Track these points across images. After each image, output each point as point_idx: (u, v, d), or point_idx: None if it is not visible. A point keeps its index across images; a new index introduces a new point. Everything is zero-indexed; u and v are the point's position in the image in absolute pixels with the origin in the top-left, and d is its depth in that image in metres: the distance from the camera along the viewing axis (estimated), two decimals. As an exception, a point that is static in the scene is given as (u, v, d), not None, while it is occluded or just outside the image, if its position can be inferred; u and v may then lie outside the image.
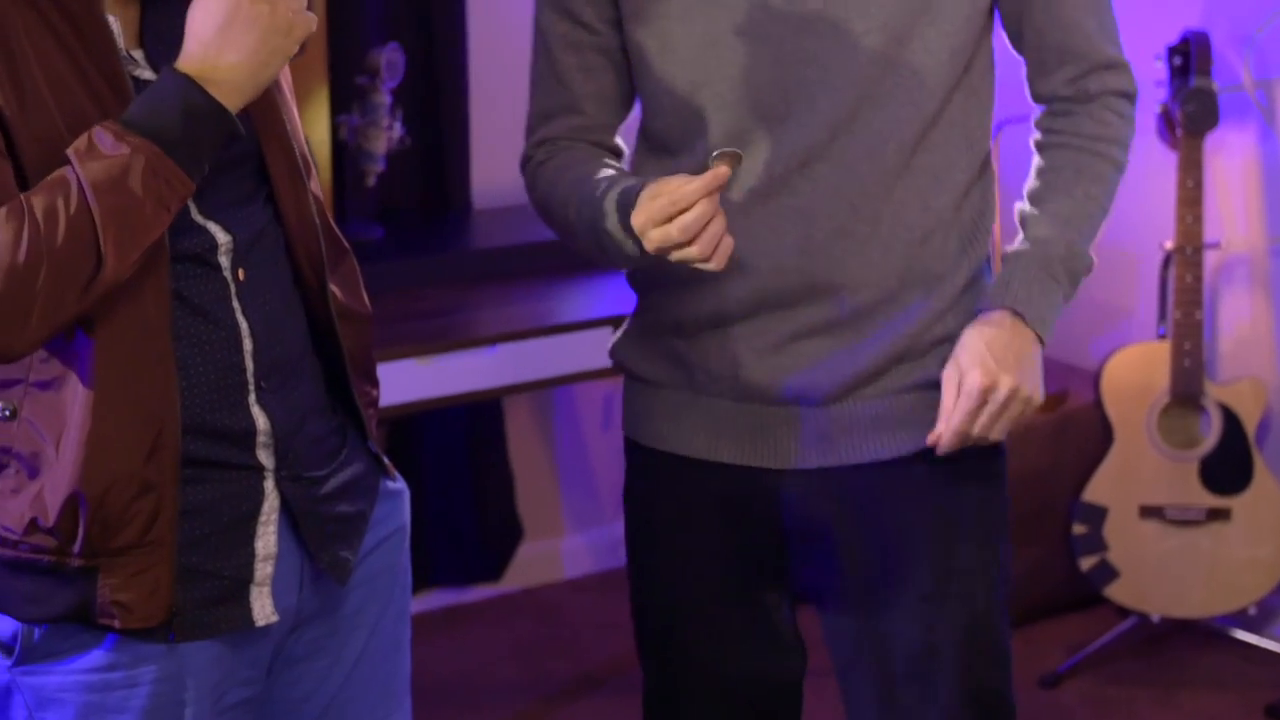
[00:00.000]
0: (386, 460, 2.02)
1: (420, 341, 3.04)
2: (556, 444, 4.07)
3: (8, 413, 1.76)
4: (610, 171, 1.98)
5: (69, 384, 1.74)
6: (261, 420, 1.83)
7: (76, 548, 1.75)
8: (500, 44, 3.70)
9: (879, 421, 1.98)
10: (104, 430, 1.73)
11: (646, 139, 2.03)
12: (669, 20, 1.94)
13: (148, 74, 1.79)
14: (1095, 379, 3.51)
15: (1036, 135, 2.03)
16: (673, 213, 1.79)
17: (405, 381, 3.02)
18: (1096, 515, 3.49)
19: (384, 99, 3.31)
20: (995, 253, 2.06)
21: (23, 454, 1.76)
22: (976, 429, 1.88)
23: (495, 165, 3.72)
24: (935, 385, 1.95)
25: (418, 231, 3.56)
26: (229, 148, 1.78)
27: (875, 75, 1.90)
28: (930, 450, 1.93)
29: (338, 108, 3.35)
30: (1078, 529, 3.51)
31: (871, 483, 2.00)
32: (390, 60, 3.29)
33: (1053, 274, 1.95)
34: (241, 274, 1.81)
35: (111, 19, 1.77)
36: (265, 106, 1.85)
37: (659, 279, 2.03)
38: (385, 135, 3.32)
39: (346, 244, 2.01)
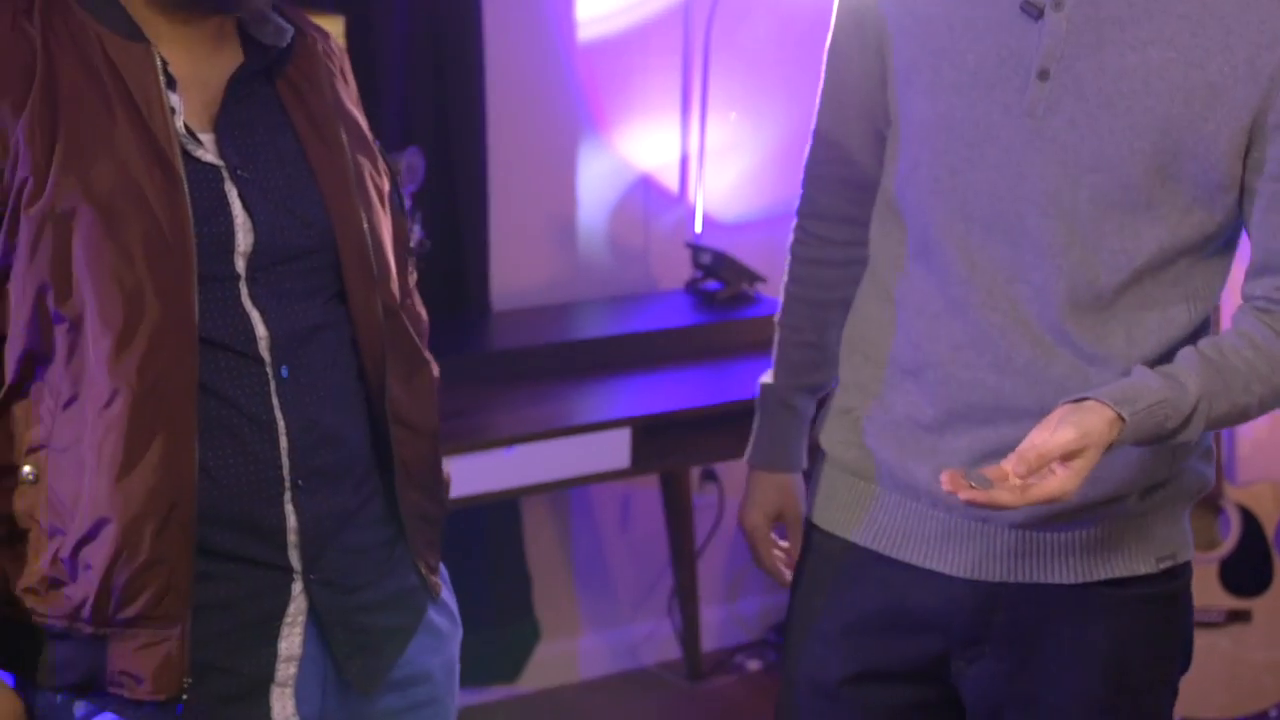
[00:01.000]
0: (434, 579, 2.00)
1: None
2: (573, 545, 4.07)
3: (32, 477, 1.77)
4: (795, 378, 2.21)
5: (86, 452, 1.75)
6: (293, 520, 1.83)
7: (86, 614, 1.76)
8: (519, 148, 3.74)
9: (1067, 547, 1.97)
10: (115, 501, 1.74)
11: (883, 196, 2.04)
12: (914, 91, 1.94)
13: (209, 157, 1.81)
14: None
15: (1238, 315, 1.94)
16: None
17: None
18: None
19: (403, 203, 3.34)
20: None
21: (45, 518, 1.77)
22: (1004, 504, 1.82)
23: (514, 267, 3.75)
24: (1131, 516, 1.95)
25: (436, 332, 3.54)
26: (294, 240, 1.81)
27: (1094, 215, 1.86)
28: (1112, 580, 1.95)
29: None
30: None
31: (1048, 598, 1.99)
32: (410, 164, 3.32)
33: (1163, 414, 1.87)
34: (285, 371, 1.82)
35: (175, 97, 1.79)
36: (343, 205, 1.87)
37: (858, 365, 2.06)
38: (405, 238, 3.35)
39: (429, 356, 2.03)
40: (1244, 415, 1.90)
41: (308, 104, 1.90)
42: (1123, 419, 1.79)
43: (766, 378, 2.23)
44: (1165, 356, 1.91)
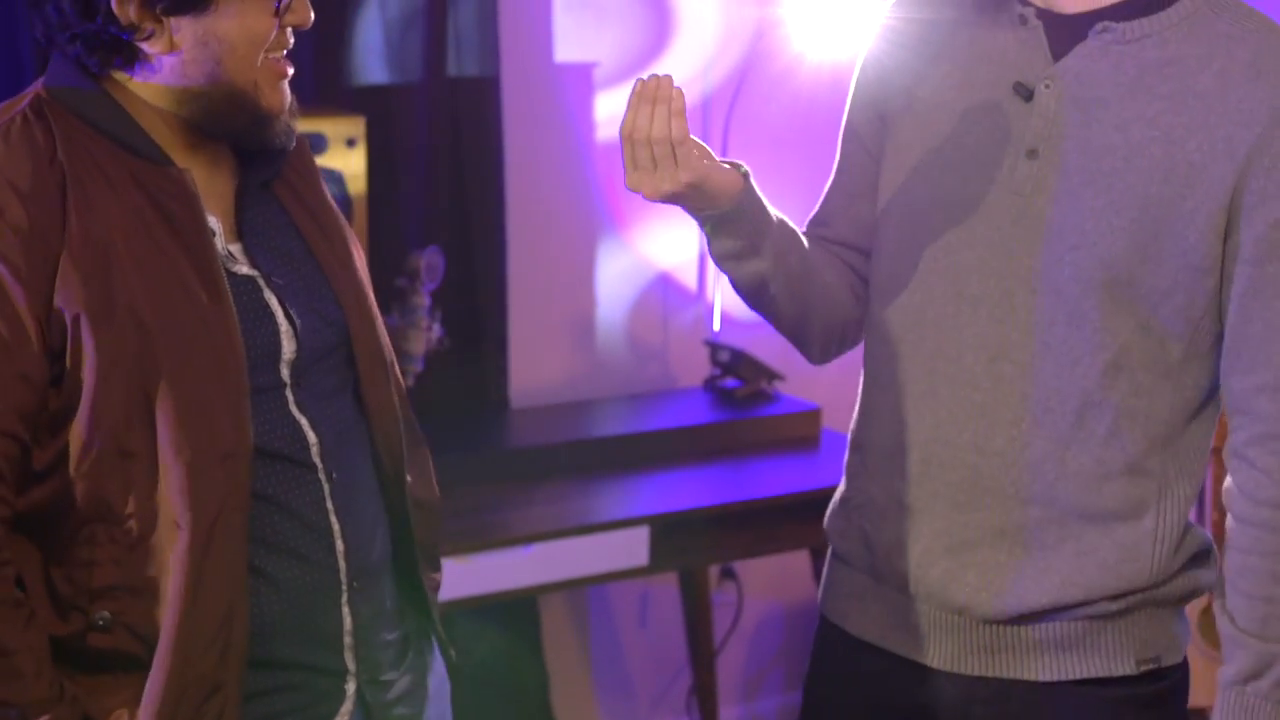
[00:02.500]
0: (442, 637, 2.02)
1: (457, 540, 3.05)
2: (592, 643, 4.05)
3: (101, 623, 1.74)
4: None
5: (161, 590, 1.73)
6: (349, 621, 1.83)
7: None
8: (538, 246, 3.76)
9: (1042, 644, 1.97)
10: (186, 635, 1.72)
11: (873, 277, 2.05)
12: (906, 169, 1.98)
13: (245, 269, 1.82)
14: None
15: (1225, 483, 1.93)
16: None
17: (442, 579, 3.02)
18: None
19: (423, 300, 3.35)
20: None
21: (122, 656, 1.75)
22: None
23: (533, 365, 3.76)
24: (1109, 616, 1.94)
25: (455, 430, 3.58)
26: (325, 338, 1.83)
27: (1076, 293, 1.87)
28: (1100, 680, 1.95)
29: (378, 308, 3.39)
30: None
31: (1026, 695, 1.98)
32: (430, 263, 3.34)
33: (1255, 696, 1.89)
34: (334, 475, 1.82)
35: (212, 219, 1.80)
36: (355, 298, 1.88)
37: (853, 454, 2.06)
38: (424, 336, 3.36)
39: (421, 434, 2.03)
40: None
41: (305, 201, 1.91)
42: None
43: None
44: (1150, 449, 1.91)
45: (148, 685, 1.73)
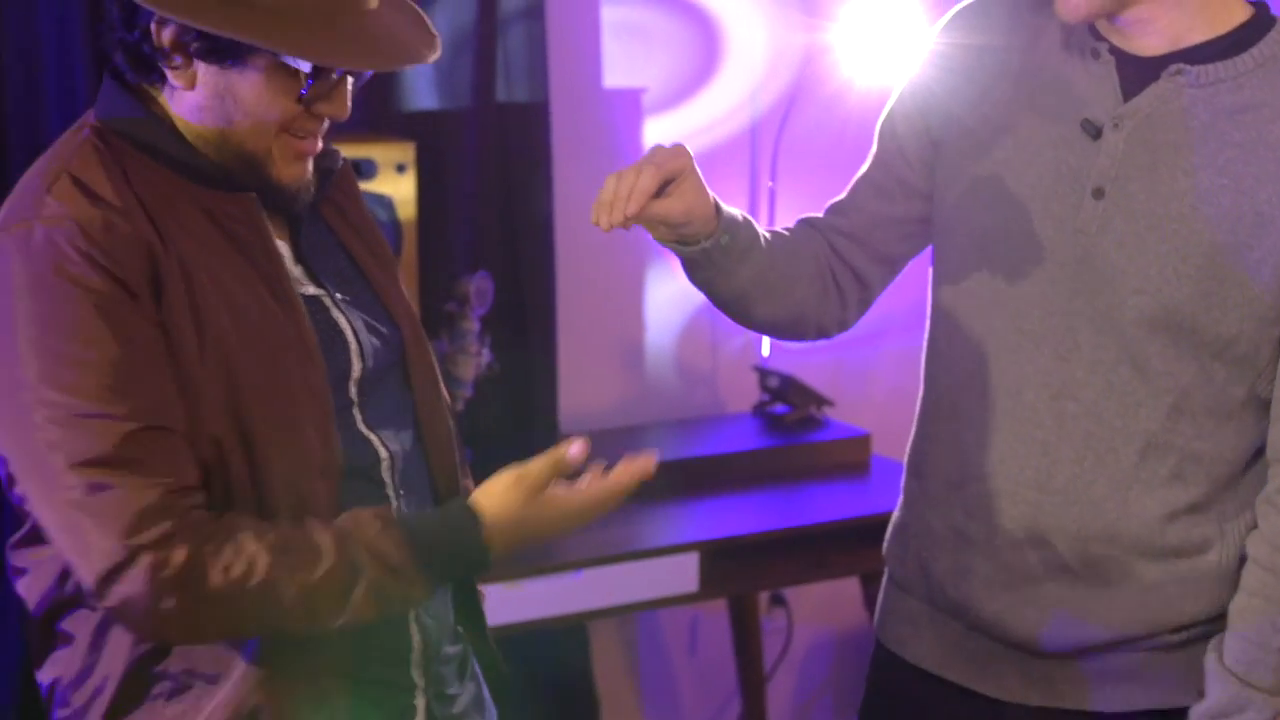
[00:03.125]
0: (494, 651, 2.03)
1: (506, 565, 3.03)
2: (641, 669, 4.04)
3: None
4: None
5: None
6: (416, 638, 1.84)
7: None
8: (588, 271, 3.76)
9: (1104, 674, 1.96)
10: (270, 648, 1.73)
11: (933, 289, 2.04)
12: (968, 195, 1.95)
13: (311, 289, 1.81)
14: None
15: (1255, 530, 1.92)
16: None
17: (492, 605, 2.98)
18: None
19: (473, 326, 3.36)
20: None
21: (207, 673, 1.74)
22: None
23: (582, 390, 3.76)
24: (1170, 648, 1.94)
25: (505, 455, 3.54)
26: (384, 356, 1.82)
27: (1139, 337, 1.86)
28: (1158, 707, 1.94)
29: (427, 333, 3.38)
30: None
31: None
32: (479, 288, 3.34)
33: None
34: (402, 492, 1.82)
35: (280, 244, 1.79)
36: (405, 314, 1.88)
37: (911, 481, 2.05)
38: (474, 361, 3.36)
39: (463, 453, 2.03)
40: None
41: (351, 220, 1.91)
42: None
43: None
44: (1213, 490, 1.90)
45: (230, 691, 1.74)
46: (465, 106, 3.53)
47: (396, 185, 3.22)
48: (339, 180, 1.90)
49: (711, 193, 1.92)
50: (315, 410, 1.74)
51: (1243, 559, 1.94)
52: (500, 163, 3.62)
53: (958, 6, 2.04)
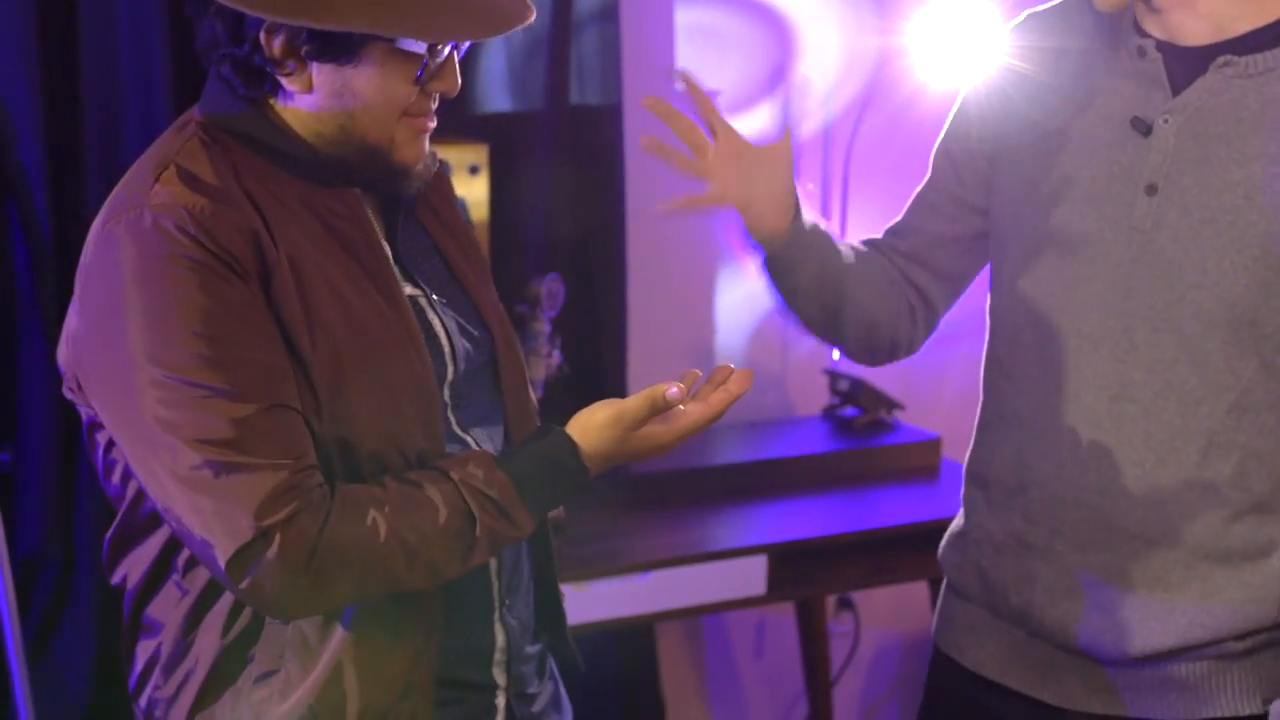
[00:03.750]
0: (573, 649, 2.02)
1: (575, 566, 3.06)
2: (708, 672, 4.04)
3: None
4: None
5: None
6: (500, 638, 1.85)
7: None
8: (659, 273, 3.76)
9: (1167, 683, 1.95)
10: (359, 639, 1.75)
11: (991, 305, 2.05)
12: (1024, 203, 1.96)
13: (410, 289, 1.82)
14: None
15: None
16: None
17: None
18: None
19: (544, 328, 3.37)
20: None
21: (296, 659, 1.76)
22: None
23: (651, 392, 3.76)
24: (1235, 656, 1.92)
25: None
26: (475, 358, 1.83)
27: (1198, 331, 1.85)
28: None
29: (501, 335, 3.41)
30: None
31: None
32: (550, 290, 3.36)
33: None
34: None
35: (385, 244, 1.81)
36: (496, 316, 1.89)
37: (971, 488, 2.05)
38: (544, 362, 3.38)
39: None
40: None
41: (446, 222, 1.92)
42: None
43: None
44: (1276, 489, 1.88)
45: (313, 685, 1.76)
46: (539, 108, 3.55)
47: (469, 187, 3.24)
48: (435, 182, 1.90)
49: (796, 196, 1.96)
50: (423, 406, 1.76)
51: None
52: (573, 165, 3.63)
53: (1022, 15, 2.05)
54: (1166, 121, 1.86)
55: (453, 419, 1.82)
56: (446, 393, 1.82)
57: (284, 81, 1.73)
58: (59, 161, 2.98)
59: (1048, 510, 1.94)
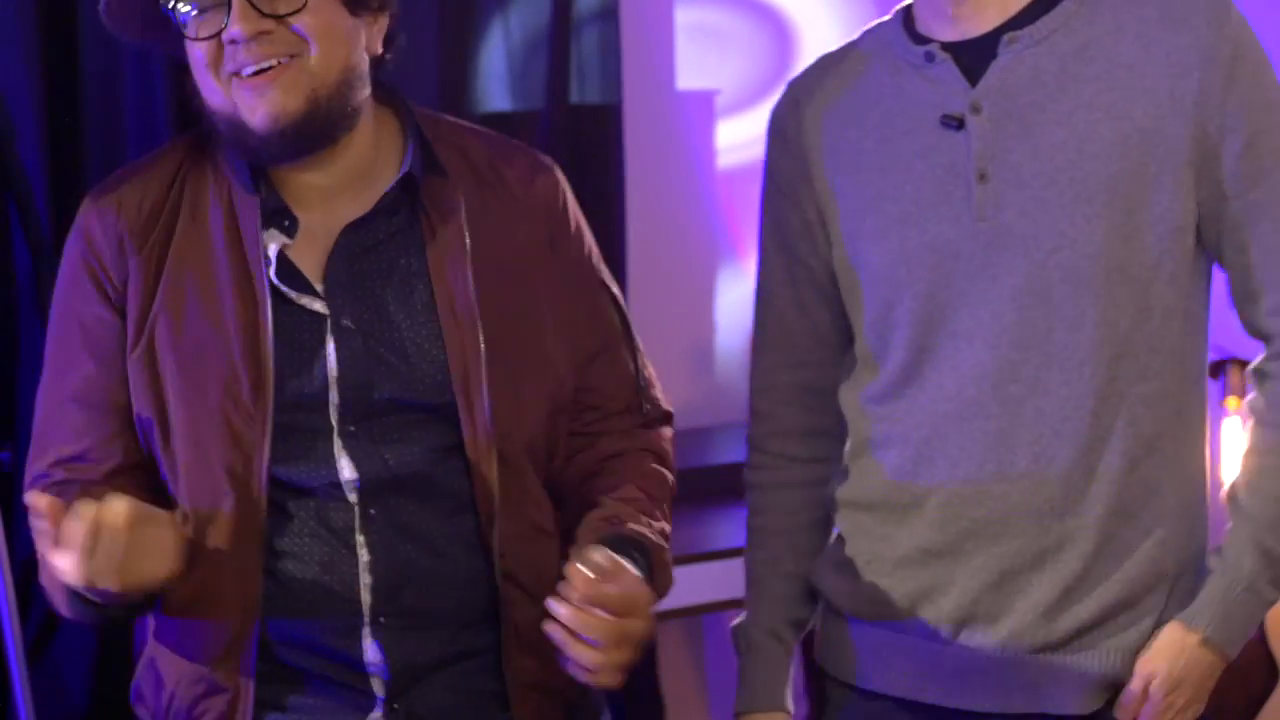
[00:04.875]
0: None
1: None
2: (708, 671, 4.04)
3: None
4: (768, 619, 2.08)
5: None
6: (372, 654, 1.83)
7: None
8: (659, 273, 3.76)
9: (1083, 676, 1.94)
10: (181, 628, 1.83)
11: (855, 351, 2.03)
12: (864, 241, 1.96)
13: (317, 306, 1.83)
14: (1260, 615, 3.43)
15: (1247, 397, 1.95)
16: None
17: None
18: (1263, 756, 3.39)
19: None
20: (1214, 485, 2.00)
21: (148, 631, 1.89)
22: None
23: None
24: (1146, 631, 1.94)
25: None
26: (393, 391, 1.84)
27: (1067, 294, 1.87)
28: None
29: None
30: (1244, 770, 3.41)
31: None
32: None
33: (1248, 593, 1.91)
34: (373, 511, 1.82)
35: (274, 247, 1.83)
36: (466, 358, 1.83)
37: (852, 516, 2.02)
38: (544, 362, 3.37)
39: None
40: None
41: (444, 250, 1.87)
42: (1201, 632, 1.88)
43: (743, 619, 2.10)
44: (1164, 433, 1.91)
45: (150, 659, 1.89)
46: (538, 108, 3.55)
47: (470, 186, 3.23)
48: (440, 208, 1.88)
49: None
50: (243, 415, 1.80)
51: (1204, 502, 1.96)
52: (572, 164, 3.61)
53: (778, 96, 2.08)
54: (977, 110, 1.89)
55: (337, 441, 1.82)
56: (334, 415, 1.82)
57: None
58: (59, 161, 2.98)
59: (950, 515, 1.93)
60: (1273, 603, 1.93)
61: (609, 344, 2.01)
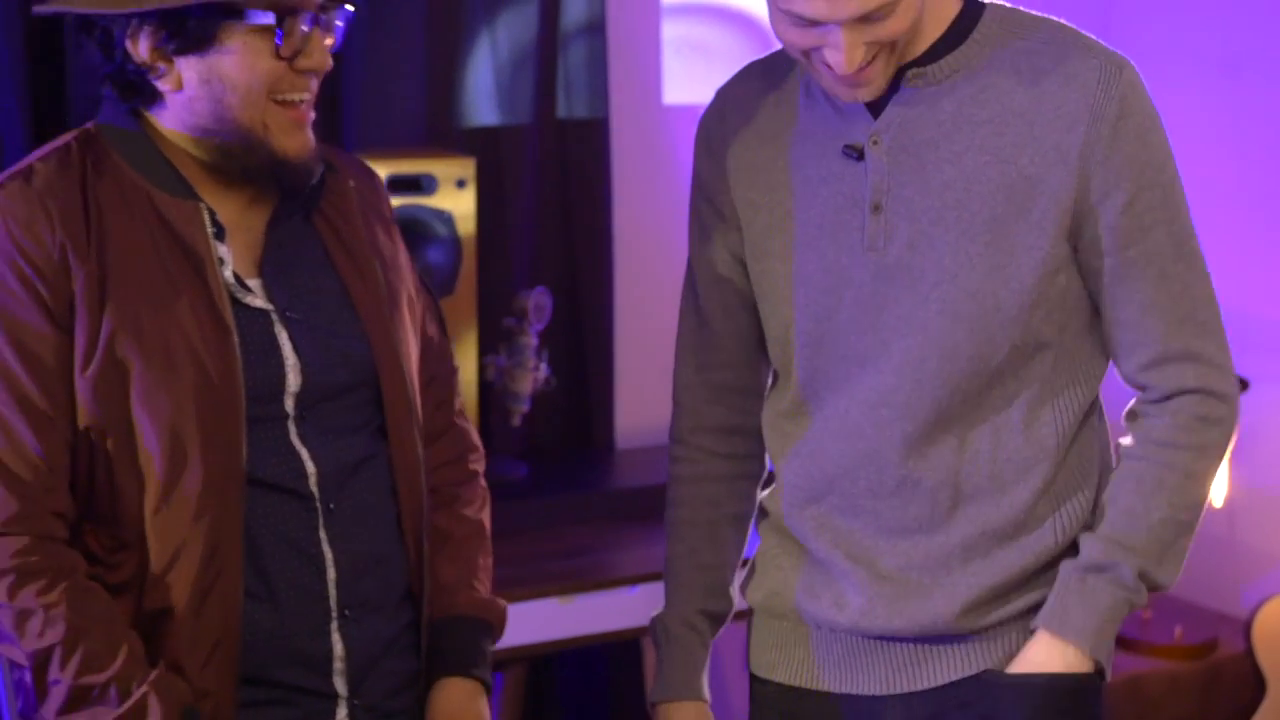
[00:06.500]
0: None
1: (561, 580, 3.06)
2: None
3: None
4: (685, 605, 2.12)
5: (140, 587, 1.83)
6: (339, 648, 1.88)
7: None
8: (646, 286, 3.76)
9: (970, 650, 1.99)
10: (164, 633, 1.82)
11: (769, 361, 2.10)
12: (771, 259, 2.01)
13: (259, 302, 1.88)
14: (1246, 628, 3.44)
15: (1123, 441, 2.01)
16: None
17: (546, 620, 3.02)
18: (1250, 769, 3.40)
19: (531, 340, 3.37)
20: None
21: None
22: None
23: (639, 406, 3.76)
24: (1027, 609, 1.97)
25: (561, 470, 3.59)
26: (342, 377, 1.88)
27: (944, 326, 1.91)
28: (1029, 679, 1.96)
29: (485, 348, 3.41)
30: (1231, 783, 3.41)
31: (969, 708, 1.99)
32: (538, 303, 3.35)
33: (1099, 601, 1.94)
34: (332, 506, 1.87)
35: (224, 248, 1.86)
36: (385, 339, 1.93)
37: (776, 513, 2.08)
38: (531, 376, 3.37)
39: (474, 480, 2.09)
40: (1179, 527, 1.96)
41: (344, 239, 1.96)
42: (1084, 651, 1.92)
43: (660, 611, 2.14)
44: (1028, 458, 1.95)
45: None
46: (525, 122, 3.55)
47: (456, 200, 3.24)
48: (333, 196, 1.97)
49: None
50: (222, 418, 1.82)
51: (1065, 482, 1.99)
52: (560, 178, 3.64)
53: (742, 68, 2.11)
54: (876, 143, 1.93)
55: (293, 429, 1.87)
56: (290, 404, 1.87)
57: (158, 85, 1.84)
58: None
59: (829, 524, 2.00)
60: (1117, 615, 1.95)
61: (433, 330, 2.11)
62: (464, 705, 1.98)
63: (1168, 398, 1.95)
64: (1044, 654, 1.94)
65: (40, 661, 1.78)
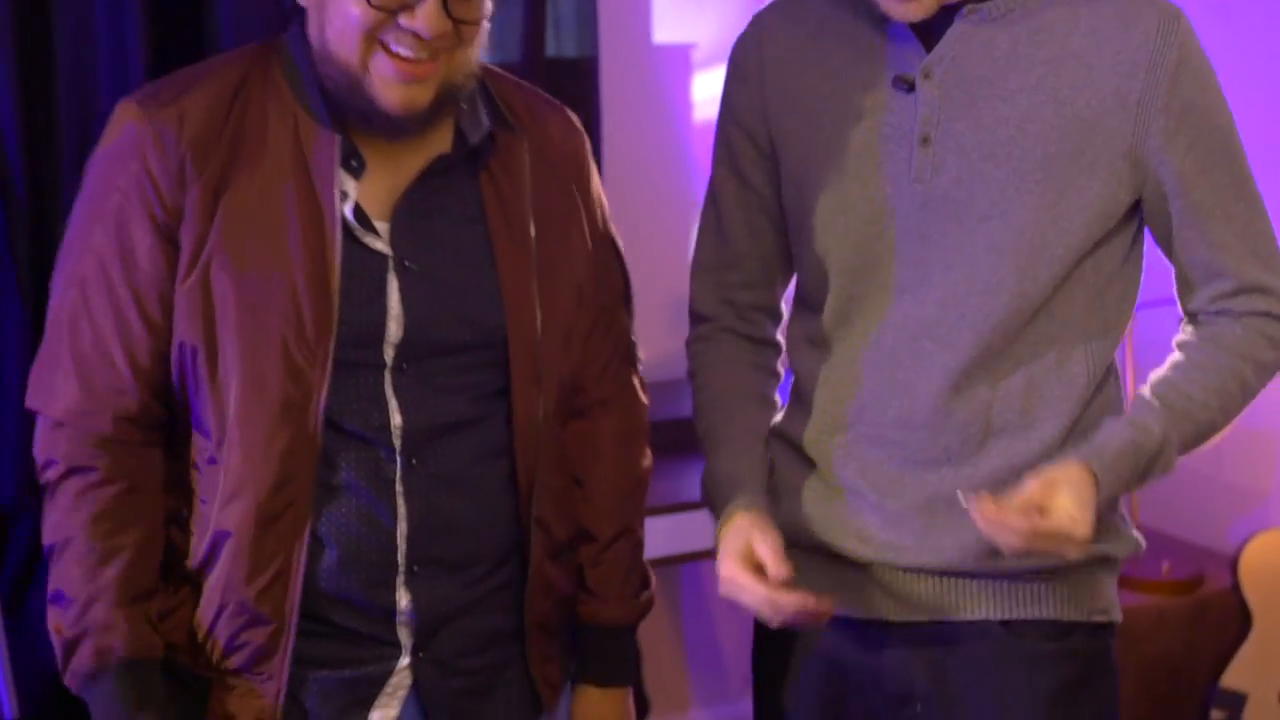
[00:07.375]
0: (548, 693, 2.01)
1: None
2: (684, 620, 4.06)
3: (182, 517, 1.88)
4: (742, 428, 2.09)
5: (213, 509, 1.84)
6: (404, 602, 1.86)
7: (199, 658, 1.85)
8: (636, 227, 3.76)
9: (981, 590, 2.00)
10: (229, 556, 1.82)
11: (797, 291, 2.11)
12: (811, 187, 2.01)
13: (379, 245, 1.84)
14: (1233, 563, 3.46)
15: (1179, 336, 2.03)
16: (744, 583, 1.96)
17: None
18: (1236, 702, 3.42)
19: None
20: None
21: (185, 559, 1.87)
22: (1015, 537, 1.84)
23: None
24: (1040, 572, 1.98)
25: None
26: (457, 338, 1.85)
27: (990, 261, 1.92)
28: (1035, 622, 1.98)
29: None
30: (1216, 715, 3.43)
31: (972, 651, 2.01)
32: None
33: (1137, 464, 1.94)
34: (414, 461, 1.84)
35: (352, 183, 1.83)
36: (521, 306, 1.88)
37: (796, 439, 2.08)
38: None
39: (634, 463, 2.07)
40: (1212, 429, 1.98)
41: (504, 200, 1.91)
42: (1093, 470, 1.87)
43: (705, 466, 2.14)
44: (1060, 396, 1.96)
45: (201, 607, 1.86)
46: (514, 61, 3.54)
47: (445, 138, 3.23)
48: (502, 156, 1.92)
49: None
50: (306, 351, 1.80)
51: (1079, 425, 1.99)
52: (549, 117, 3.62)
53: (738, 40, 2.10)
54: (927, 76, 1.94)
55: (389, 379, 1.84)
56: (389, 353, 1.84)
57: (300, 2, 1.83)
58: (35, 158, 2.96)
59: (854, 451, 2.00)
60: (1131, 485, 1.95)
61: (610, 304, 2.07)
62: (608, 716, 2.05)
63: (1239, 316, 1.98)
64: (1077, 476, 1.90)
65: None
